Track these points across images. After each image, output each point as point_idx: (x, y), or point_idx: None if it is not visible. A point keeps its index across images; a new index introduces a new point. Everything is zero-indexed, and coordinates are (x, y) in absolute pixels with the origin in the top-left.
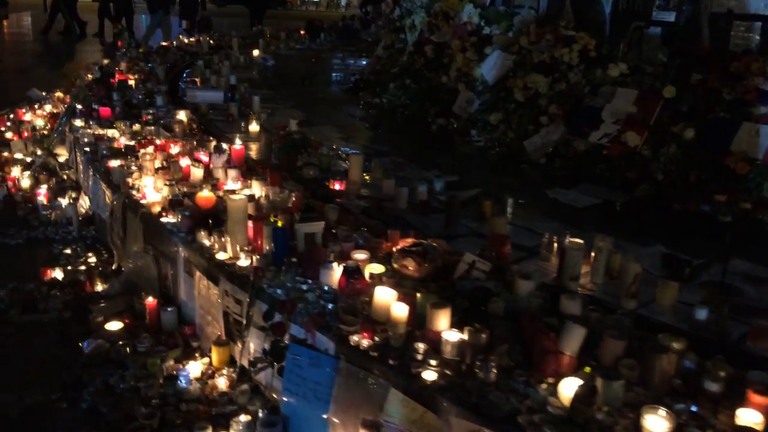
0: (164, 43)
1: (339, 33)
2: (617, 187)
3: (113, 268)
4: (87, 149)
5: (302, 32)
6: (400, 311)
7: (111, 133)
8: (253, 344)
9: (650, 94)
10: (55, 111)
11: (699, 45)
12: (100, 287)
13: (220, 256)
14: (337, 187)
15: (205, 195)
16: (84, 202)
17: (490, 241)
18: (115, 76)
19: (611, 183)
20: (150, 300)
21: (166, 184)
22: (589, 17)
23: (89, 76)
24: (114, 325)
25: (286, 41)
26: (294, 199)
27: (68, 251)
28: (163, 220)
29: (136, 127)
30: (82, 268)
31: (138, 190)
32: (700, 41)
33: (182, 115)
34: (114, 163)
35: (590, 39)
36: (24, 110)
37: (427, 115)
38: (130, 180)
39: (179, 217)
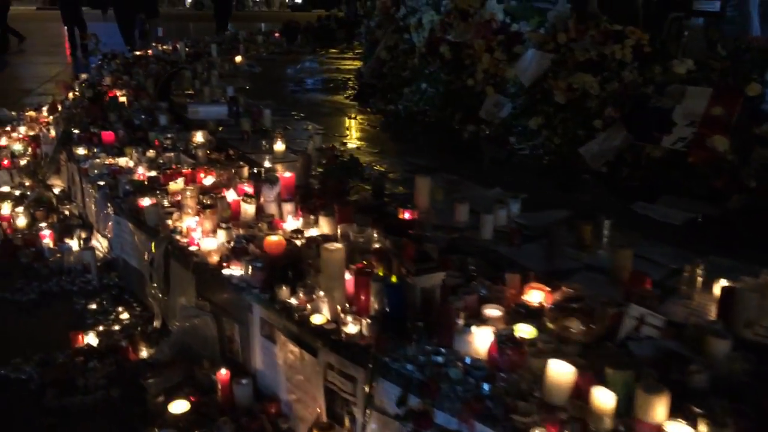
0: (138, 53)
1: (315, 34)
2: (701, 197)
3: (155, 326)
4: (101, 183)
5: (277, 34)
6: (605, 399)
7: (123, 161)
8: None
9: (729, 93)
10: (31, 133)
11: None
12: (145, 353)
13: (316, 319)
14: (407, 216)
15: (275, 240)
16: (99, 244)
17: (626, 281)
18: (106, 93)
19: (694, 193)
20: (222, 372)
21: (220, 227)
22: (620, 9)
23: (73, 93)
24: (179, 406)
25: (265, 45)
26: (393, 244)
27: (93, 306)
28: (226, 272)
29: (150, 153)
30: (117, 328)
31: (182, 234)
32: (748, 32)
33: (200, 137)
34: (145, 202)
35: (642, 33)
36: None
37: (451, 120)
38: (170, 221)
39: (248, 268)
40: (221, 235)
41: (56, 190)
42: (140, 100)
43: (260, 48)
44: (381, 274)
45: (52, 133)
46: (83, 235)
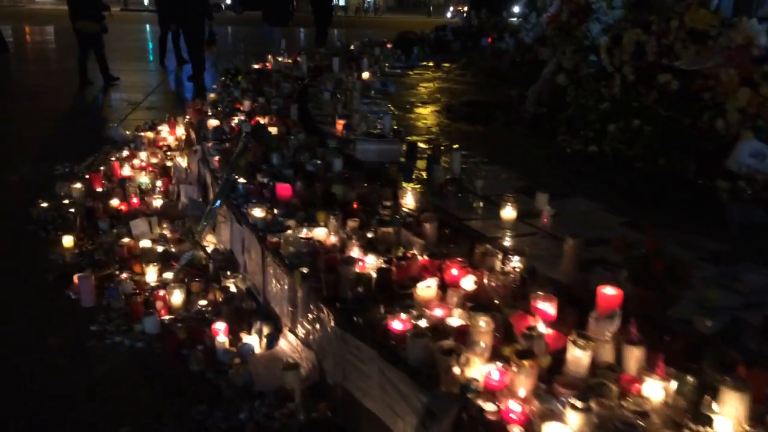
0: (256, 66)
1: (432, 46)
2: None
3: None
4: (304, 270)
5: (389, 45)
6: None
7: (321, 234)
8: None
9: None
10: (154, 160)
11: None
12: None
13: None
14: None
15: None
16: (289, 344)
17: None
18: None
19: None
20: None
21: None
22: None
23: (212, 122)
24: None
25: (383, 59)
26: None
27: None
28: None
29: (352, 223)
30: None
31: (481, 393)
32: None
33: (410, 198)
34: (397, 325)
35: None
36: (114, 158)
37: (684, 171)
38: (456, 368)
39: None
40: (551, 403)
41: (208, 246)
42: (292, 132)
43: (380, 62)
44: None
45: (183, 163)
46: (266, 331)
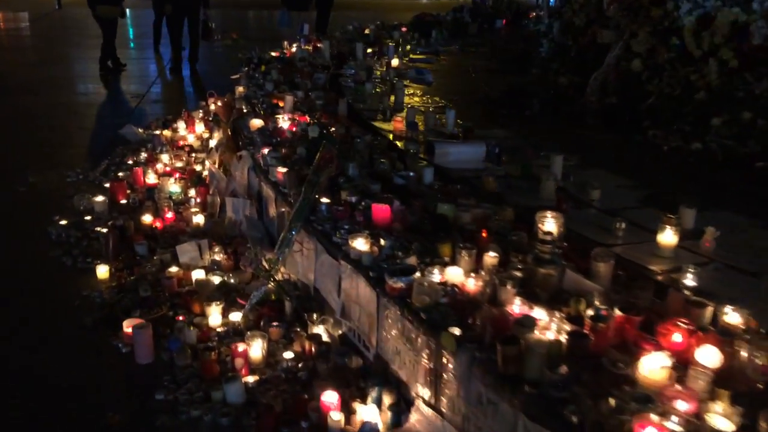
0: (274, 53)
1: (449, 29)
2: None
3: None
4: (470, 358)
5: (404, 29)
6: None
7: (456, 276)
8: None
9: None
10: (179, 164)
11: None
12: None
13: None
14: None
15: None
16: (423, 419)
17: None
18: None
19: None
20: None
21: None
22: None
23: (255, 122)
24: None
25: (402, 43)
26: None
27: None
28: None
29: (490, 258)
30: None
31: None
32: None
33: (550, 224)
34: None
35: None
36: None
37: None
38: None
39: None
40: None
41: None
42: (352, 132)
43: (401, 47)
44: None
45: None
46: (387, 400)
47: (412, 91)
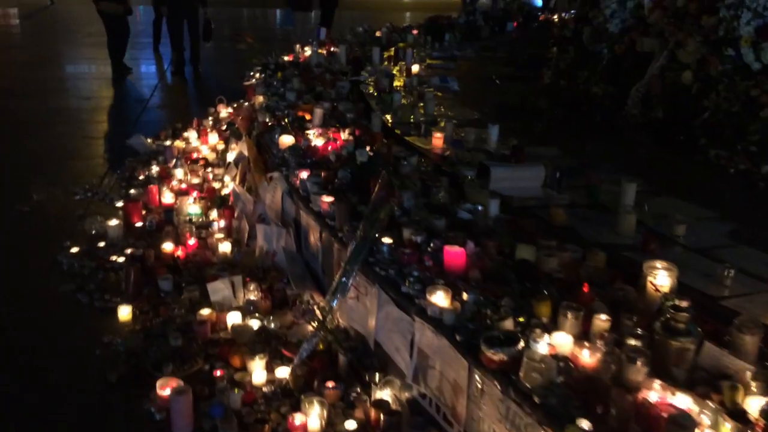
0: (287, 57)
1: (462, 32)
2: None
3: None
4: None
5: (415, 32)
6: None
7: (561, 346)
8: None
9: None
10: (195, 180)
11: None
12: None
13: None
14: None
15: None
16: None
17: None
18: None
19: None
20: None
21: None
22: None
23: (285, 140)
24: None
25: (416, 47)
26: None
27: None
28: None
29: (600, 321)
30: None
31: None
32: None
33: (663, 277)
34: None
35: None
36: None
37: None
38: None
39: None
40: None
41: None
42: (394, 152)
43: (417, 52)
44: None
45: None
46: None
47: (437, 102)
